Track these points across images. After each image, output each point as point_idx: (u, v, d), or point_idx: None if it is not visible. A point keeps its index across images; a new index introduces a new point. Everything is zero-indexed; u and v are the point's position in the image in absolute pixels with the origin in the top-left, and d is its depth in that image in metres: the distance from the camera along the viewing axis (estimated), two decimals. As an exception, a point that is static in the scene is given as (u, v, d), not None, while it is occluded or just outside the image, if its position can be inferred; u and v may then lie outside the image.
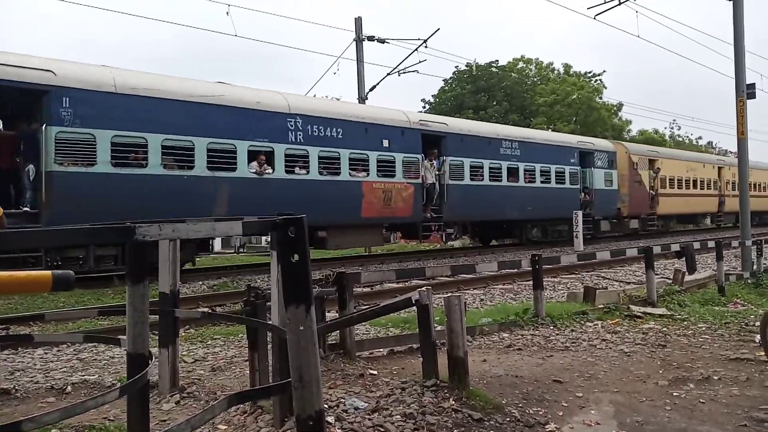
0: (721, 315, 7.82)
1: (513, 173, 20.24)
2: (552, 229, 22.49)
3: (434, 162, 17.58)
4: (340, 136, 15.25)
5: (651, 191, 27.07)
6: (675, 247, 11.34)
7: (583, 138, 25.88)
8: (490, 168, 19.43)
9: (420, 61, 23.18)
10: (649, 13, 33.49)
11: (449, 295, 4.73)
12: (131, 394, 2.80)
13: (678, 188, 29.26)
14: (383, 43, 22.87)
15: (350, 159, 15.48)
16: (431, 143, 17.78)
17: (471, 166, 18.77)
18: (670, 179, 28.58)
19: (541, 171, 21.35)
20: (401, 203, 16.59)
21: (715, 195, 32.44)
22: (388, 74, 23.80)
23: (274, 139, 14.02)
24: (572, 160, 22.83)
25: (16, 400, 4.61)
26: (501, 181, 19.77)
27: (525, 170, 20.67)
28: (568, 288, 11.17)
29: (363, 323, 6.89)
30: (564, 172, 22.36)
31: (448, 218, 18.21)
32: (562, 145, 22.89)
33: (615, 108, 48.07)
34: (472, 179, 18.83)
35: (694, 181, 30.48)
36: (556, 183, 22.03)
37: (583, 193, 23.19)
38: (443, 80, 46.73)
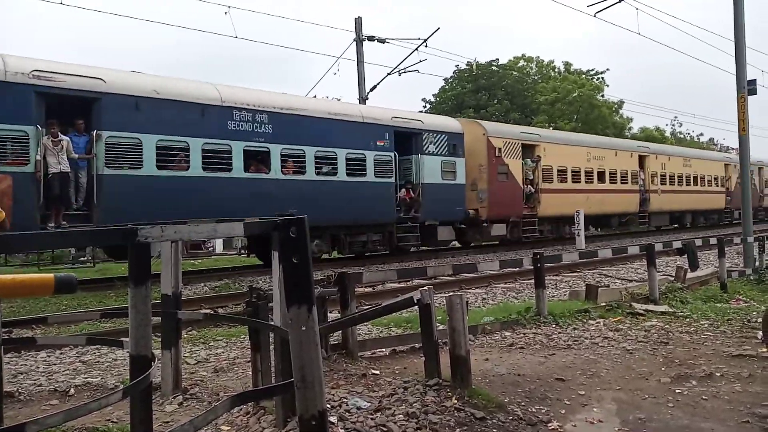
0: (723, 312, 7.82)
1: (260, 159, 14.15)
2: (350, 240, 16.03)
3: (63, 140, 11.19)
4: None
5: (527, 186, 20.83)
6: (677, 245, 11.35)
7: (402, 112, 18.20)
8: (206, 151, 12.99)
9: (420, 61, 23.20)
10: (650, 11, 33.49)
11: (451, 294, 4.74)
12: (134, 396, 2.80)
13: (573, 182, 22.50)
14: (383, 43, 22.91)
15: None
16: (72, 109, 11.68)
17: (160, 148, 12.37)
18: (559, 170, 21.94)
19: (318, 157, 14.94)
20: None
21: (635, 191, 25.66)
22: (389, 74, 23.83)
23: None
24: (381, 143, 16.36)
25: (19, 403, 4.62)
26: (230, 171, 13.39)
27: (284, 155, 14.37)
28: (570, 286, 11.16)
29: (365, 323, 6.90)
30: (364, 160, 15.94)
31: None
32: (359, 122, 16.04)
33: (616, 105, 48.04)
34: (161, 167, 12.41)
35: (601, 173, 23.84)
36: (349, 175, 15.57)
37: (403, 189, 17.17)
38: (444, 79, 46.79)
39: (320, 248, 15.27)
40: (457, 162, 18.57)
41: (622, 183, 24.98)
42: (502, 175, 19.70)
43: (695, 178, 29.84)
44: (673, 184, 28.34)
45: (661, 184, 27.38)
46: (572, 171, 22.54)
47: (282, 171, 14.35)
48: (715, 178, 31.65)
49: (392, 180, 16.70)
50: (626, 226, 27.01)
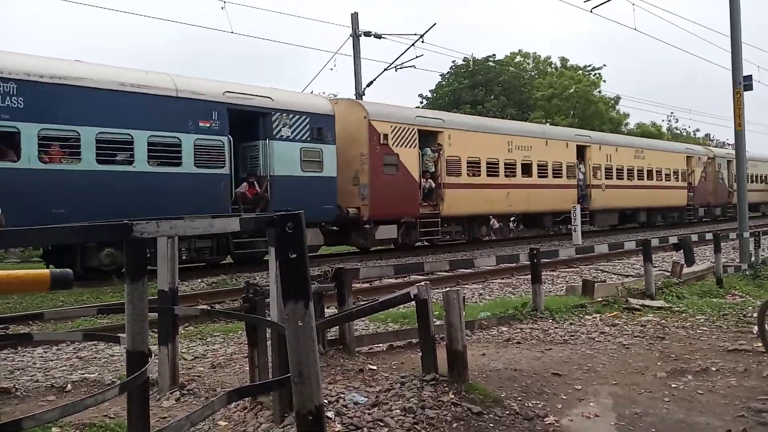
0: (719, 307, 7.85)
1: (4, 143, 10.86)
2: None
3: None
4: None
5: (427, 180, 17.66)
6: (673, 240, 11.37)
7: (241, 86, 14.33)
8: None
9: (417, 56, 23.16)
10: (646, 6, 33.42)
11: (448, 289, 4.74)
12: (131, 392, 2.80)
13: (489, 175, 19.29)
14: (380, 38, 22.82)
15: None
16: None
17: None
18: (470, 162, 18.75)
19: (101, 140, 11.69)
20: None
21: (572, 186, 22.38)
22: (385, 70, 23.74)
23: None
24: (206, 125, 13.05)
25: (16, 399, 4.62)
26: None
27: (44, 138, 11.14)
28: (567, 281, 11.20)
29: (362, 318, 6.90)
30: (179, 145, 12.70)
31: None
32: (171, 96, 12.74)
33: (612, 101, 48.06)
34: None
35: (527, 166, 20.68)
36: (154, 164, 12.42)
37: (245, 183, 14.09)
38: (440, 75, 46.68)
39: (112, 259, 11.96)
40: (324, 150, 15.19)
41: (554, 177, 21.73)
42: (390, 166, 16.43)
43: (650, 171, 26.69)
44: (622, 179, 25.11)
45: (606, 178, 24.20)
46: (488, 163, 19.36)
47: (41, 158, 11.08)
48: (674, 172, 28.38)
49: (224, 171, 13.34)
50: (566, 225, 23.16)
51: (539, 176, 21.19)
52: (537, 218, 22.08)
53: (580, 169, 23.03)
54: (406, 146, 16.95)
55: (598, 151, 23.95)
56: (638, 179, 25.98)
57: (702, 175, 30.13)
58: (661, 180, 27.49)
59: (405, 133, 16.96)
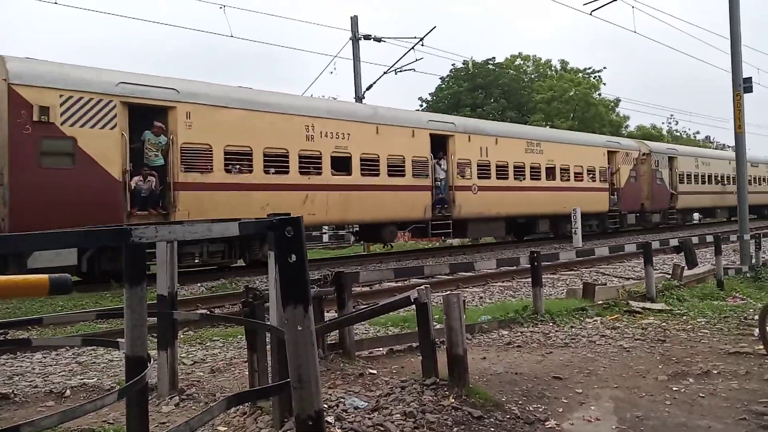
0: (720, 309, 7.84)
1: None
2: None
3: None
4: None
5: (147, 179, 12.41)
6: (673, 242, 11.36)
7: None
8: None
9: (417, 60, 23.20)
10: (646, 8, 33.44)
11: (448, 293, 4.73)
12: (130, 397, 2.80)
13: (271, 172, 14.08)
14: (379, 41, 22.88)
15: None
16: None
17: None
18: (232, 153, 13.44)
19: None
20: None
21: (424, 187, 17.14)
22: (385, 73, 23.81)
23: None
24: None
25: (15, 405, 4.60)
26: None
27: None
28: (568, 284, 11.18)
29: (362, 322, 6.89)
30: None
31: None
32: None
33: (612, 104, 48.13)
34: None
35: (342, 160, 15.48)
36: None
37: None
38: (440, 78, 46.75)
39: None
40: None
41: (392, 176, 16.37)
42: (56, 157, 11.23)
43: (551, 169, 21.25)
44: (506, 178, 19.60)
45: (481, 177, 18.73)
46: (267, 155, 13.98)
47: None
48: (590, 171, 22.89)
49: None
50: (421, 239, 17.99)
51: (365, 174, 15.83)
52: (369, 229, 17.05)
53: (440, 165, 17.85)
54: (94, 126, 11.58)
55: (466, 143, 18.33)
56: (533, 179, 20.59)
57: (631, 175, 24.82)
58: (569, 180, 22.05)
59: (94, 108, 11.57)
